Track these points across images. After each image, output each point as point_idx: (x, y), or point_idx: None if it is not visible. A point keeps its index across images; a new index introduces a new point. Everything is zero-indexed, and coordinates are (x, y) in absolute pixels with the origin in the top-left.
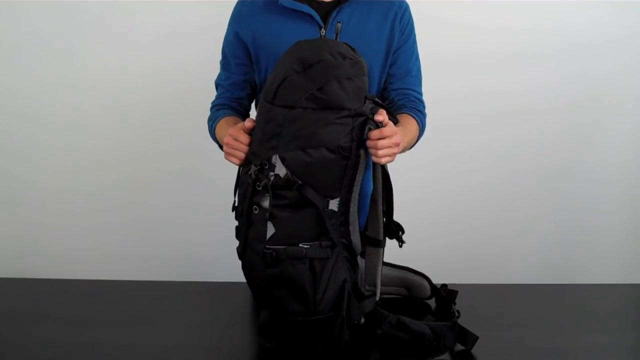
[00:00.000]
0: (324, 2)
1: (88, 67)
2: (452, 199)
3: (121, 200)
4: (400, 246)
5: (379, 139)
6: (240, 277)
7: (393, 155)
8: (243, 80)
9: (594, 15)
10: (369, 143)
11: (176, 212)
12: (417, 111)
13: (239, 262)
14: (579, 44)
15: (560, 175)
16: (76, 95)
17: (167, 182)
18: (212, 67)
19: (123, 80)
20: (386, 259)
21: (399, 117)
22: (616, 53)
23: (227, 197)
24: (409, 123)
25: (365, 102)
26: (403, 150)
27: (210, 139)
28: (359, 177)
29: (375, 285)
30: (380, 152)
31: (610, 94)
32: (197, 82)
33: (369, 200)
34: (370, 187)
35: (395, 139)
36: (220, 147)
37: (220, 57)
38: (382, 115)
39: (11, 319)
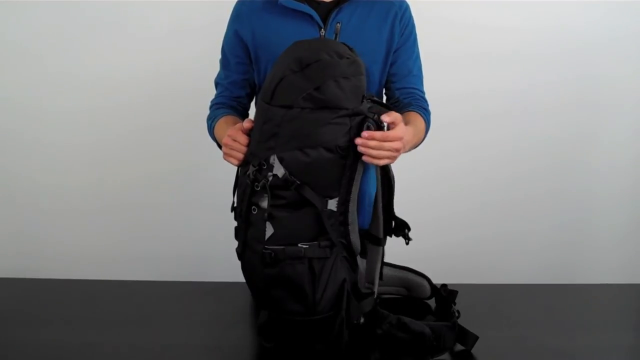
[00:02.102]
0: (324, 2)
1: (87, 66)
2: (452, 199)
3: (121, 200)
4: (407, 243)
5: (382, 140)
6: (240, 277)
7: (390, 158)
8: (242, 79)
9: (594, 15)
10: (357, 140)
11: (176, 212)
12: (424, 109)
13: (239, 262)
14: (580, 43)
15: (560, 175)
16: (75, 95)
17: (166, 182)
18: (212, 66)
19: (122, 79)
20: (386, 259)
21: (408, 114)
22: (616, 53)
23: (227, 197)
24: (417, 121)
25: (362, 102)
26: (410, 149)
27: (209, 139)
28: (357, 177)
29: (373, 283)
30: (373, 152)
31: (610, 94)
32: (196, 82)
33: (368, 200)
34: (370, 188)
35: (396, 144)
36: (219, 145)
37: (220, 56)
38: (390, 117)
39: (11, 319)
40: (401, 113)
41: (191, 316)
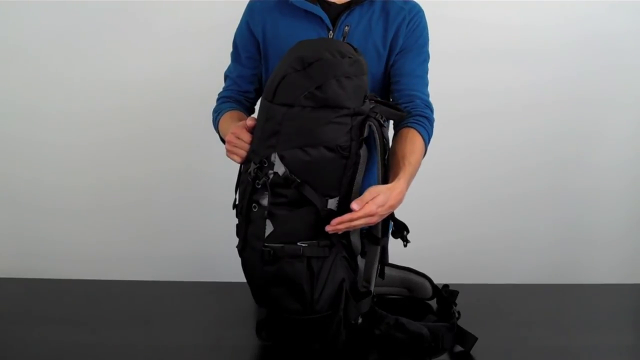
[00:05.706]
0: (335, 4)
1: (88, 67)
2: (452, 197)
3: (121, 199)
4: (405, 245)
5: (349, 221)
6: (241, 277)
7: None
8: (252, 74)
9: (595, 13)
10: (327, 228)
11: (176, 211)
12: (423, 118)
13: (240, 262)
14: (580, 41)
15: (560, 173)
16: (76, 96)
17: (167, 181)
18: (212, 67)
19: (123, 80)
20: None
21: (403, 141)
22: (617, 50)
23: (228, 196)
24: (415, 148)
25: (364, 101)
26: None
27: (211, 138)
28: (359, 177)
29: (369, 282)
30: (342, 228)
31: (610, 91)
32: (198, 82)
33: None
34: None
35: (368, 219)
36: (222, 140)
37: (231, 50)
38: (357, 205)
39: (11, 319)
40: (398, 129)
41: (191, 316)
